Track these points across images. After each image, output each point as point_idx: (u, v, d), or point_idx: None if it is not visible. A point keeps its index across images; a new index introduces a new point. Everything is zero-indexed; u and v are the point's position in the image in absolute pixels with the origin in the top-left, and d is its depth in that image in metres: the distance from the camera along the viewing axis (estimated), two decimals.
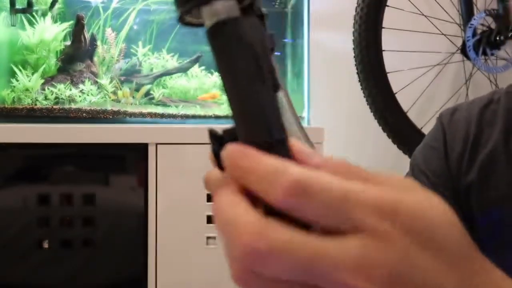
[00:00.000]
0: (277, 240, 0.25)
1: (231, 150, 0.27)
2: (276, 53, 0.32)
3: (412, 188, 0.28)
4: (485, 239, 0.61)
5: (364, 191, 0.26)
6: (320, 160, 0.28)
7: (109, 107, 1.40)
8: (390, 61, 1.47)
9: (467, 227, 0.28)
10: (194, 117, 1.41)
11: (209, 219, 1.23)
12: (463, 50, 1.55)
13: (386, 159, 1.64)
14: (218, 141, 0.29)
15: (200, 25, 0.29)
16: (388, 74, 1.45)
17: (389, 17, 1.48)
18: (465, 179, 0.67)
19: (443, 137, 0.70)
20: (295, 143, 0.28)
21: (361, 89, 1.46)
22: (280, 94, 0.29)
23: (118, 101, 1.46)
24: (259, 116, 0.27)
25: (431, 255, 0.26)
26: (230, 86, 0.27)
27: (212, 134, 0.29)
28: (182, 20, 0.30)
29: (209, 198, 1.20)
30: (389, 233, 0.26)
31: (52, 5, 1.43)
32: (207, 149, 0.31)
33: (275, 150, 0.27)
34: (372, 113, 1.46)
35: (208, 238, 1.24)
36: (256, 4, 0.29)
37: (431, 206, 0.27)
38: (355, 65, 1.46)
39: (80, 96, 1.41)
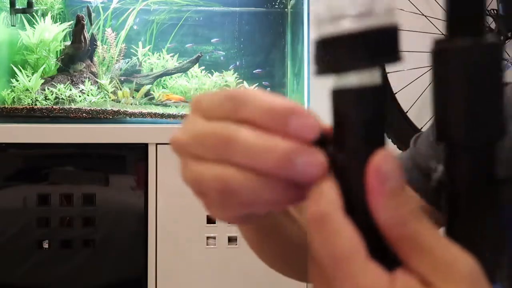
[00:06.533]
0: None
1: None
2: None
3: None
4: None
5: None
6: None
7: (109, 107, 1.40)
8: None
9: None
10: None
11: (209, 219, 1.23)
12: None
13: None
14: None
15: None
16: (388, 74, 1.45)
17: None
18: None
19: None
20: None
21: None
22: None
23: (118, 101, 1.46)
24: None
25: None
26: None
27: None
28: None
29: None
30: None
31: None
32: None
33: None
34: None
35: (208, 238, 1.24)
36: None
37: None
38: None
39: (80, 96, 1.41)
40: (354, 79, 0.26)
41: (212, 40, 1.60)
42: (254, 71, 1.60)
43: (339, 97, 0.27)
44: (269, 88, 1.58)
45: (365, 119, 0.26)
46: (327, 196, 0.26)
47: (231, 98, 0.29)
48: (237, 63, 1.60)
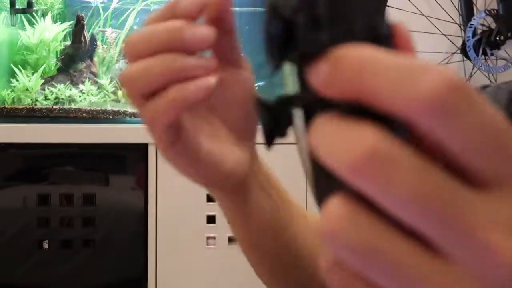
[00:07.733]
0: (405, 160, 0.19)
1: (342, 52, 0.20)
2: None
3: None
4: None
5: None
6: None
7: (109, 107, 1.40)
8: None
9: None
10: None
11: (209, 219, 1.23)
12: (463, 50, 1.55)
13: None
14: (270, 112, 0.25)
15: None
16: None
17: None
18: None
19: None
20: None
21: None
22: None
23: (118, 101, 1.46)
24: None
25: None
26: None
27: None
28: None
29: (209, 198, 1.20)
30: None
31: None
32: None
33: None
34: None
35: (208, 238, 1.24)
36: None
37: None
38: None
39: (80, 96, 1.41)
40: None
41: None
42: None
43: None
44: (267, 88, 1.58)
45: None
46: (367, 130, 0.19)
47: (168, 5, 0.39)
48: None
